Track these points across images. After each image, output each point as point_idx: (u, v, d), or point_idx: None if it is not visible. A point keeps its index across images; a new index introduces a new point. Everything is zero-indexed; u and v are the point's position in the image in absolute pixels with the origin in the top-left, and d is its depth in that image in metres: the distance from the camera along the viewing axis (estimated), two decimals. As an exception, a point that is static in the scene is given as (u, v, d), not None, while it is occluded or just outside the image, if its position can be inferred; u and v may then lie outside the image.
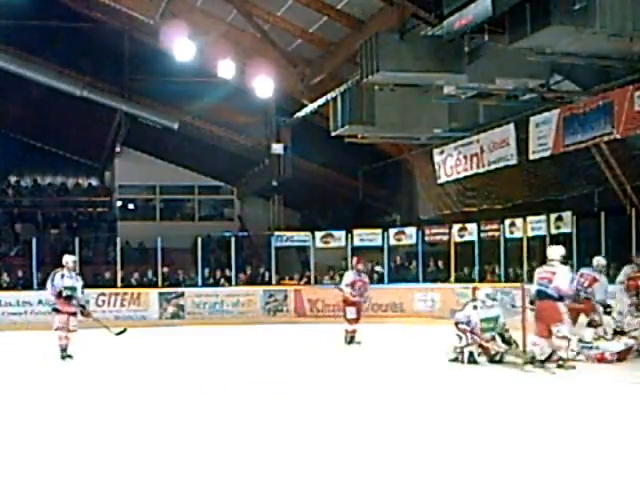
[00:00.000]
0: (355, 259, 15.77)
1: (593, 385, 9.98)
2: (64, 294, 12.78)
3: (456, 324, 11.76)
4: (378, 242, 22.56)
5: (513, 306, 12.74)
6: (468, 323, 11.58)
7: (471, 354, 11.56)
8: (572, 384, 10.03)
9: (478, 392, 9.59)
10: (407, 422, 7.71)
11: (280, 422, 7.76)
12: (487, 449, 6.57)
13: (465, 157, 19.54)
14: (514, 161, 17.91)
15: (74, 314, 12.89)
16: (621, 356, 11.62)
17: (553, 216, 18.65)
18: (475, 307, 11.75)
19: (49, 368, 12.23)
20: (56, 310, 12.89)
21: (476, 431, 7.25)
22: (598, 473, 5.84)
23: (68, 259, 13.13)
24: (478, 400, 8.97)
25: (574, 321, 11.85)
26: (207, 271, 22.91)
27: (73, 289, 12.92)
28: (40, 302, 20.73)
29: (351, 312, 14.70)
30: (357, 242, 22.62)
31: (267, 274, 22.94)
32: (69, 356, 12.77)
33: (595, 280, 12.46)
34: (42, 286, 21.28)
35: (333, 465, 6.10)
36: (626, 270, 13.59)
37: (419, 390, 9.75)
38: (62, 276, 12.88)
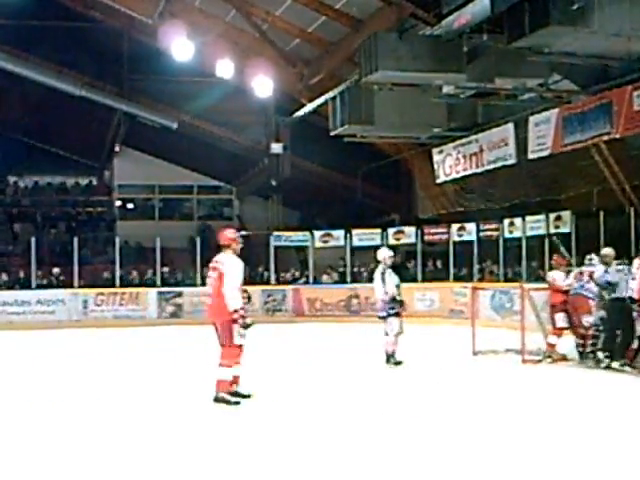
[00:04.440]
0: None
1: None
2: (389, 297, 11.49)
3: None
4: (377, 241, 22.49)
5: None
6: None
7: None
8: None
9: (478, 392, 9.60)
10: (407, 421, 7.71)
11: (279, 422, 7.76)
12: (488, 449, 6.57)
13: (464, 156, 19.50)
14: (513, 161, 17.88)
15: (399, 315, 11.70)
16: None
17: (552, 216, 18.66)
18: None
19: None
20: (395, 314, 11.56)
21: (477, 430, 7.26)
22: (599, 473, 5.86)
23: (386, 254, 11.72)
24: (479, 400, 8.98)
25: None
26: (206, 271, 22.85)
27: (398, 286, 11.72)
28: (39, 302, 20.78)
29: None
30: (356, 242, 22.64)
31: (266, 274, 22.93)
32: (399, 362, 11.61)
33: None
34: (41, 286, 21.51)
35: (334, 465, 6.11)
36: None
37: (419, 390, 9.76)
38: (383, 273, 11.54)
